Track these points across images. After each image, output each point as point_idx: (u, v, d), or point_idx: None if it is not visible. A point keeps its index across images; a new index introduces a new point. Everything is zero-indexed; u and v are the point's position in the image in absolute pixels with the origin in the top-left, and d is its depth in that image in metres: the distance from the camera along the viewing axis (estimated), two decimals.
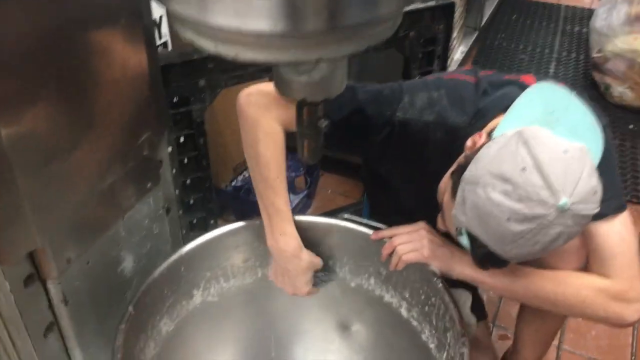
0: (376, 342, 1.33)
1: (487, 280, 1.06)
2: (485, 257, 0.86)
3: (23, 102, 0.80)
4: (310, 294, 1.22)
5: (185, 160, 1.43)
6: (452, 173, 0.92)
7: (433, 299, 1.12)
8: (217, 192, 1.58)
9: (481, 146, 0.86)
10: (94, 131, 0.94)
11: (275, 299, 1.32)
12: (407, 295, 1.19)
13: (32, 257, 0.92)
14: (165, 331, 1.16)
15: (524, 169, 0.78)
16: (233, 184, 1.88)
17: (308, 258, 1.15)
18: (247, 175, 1.94)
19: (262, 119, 1.07)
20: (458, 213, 0.86)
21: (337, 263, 1.27)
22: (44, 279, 0.95)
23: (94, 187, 0.97)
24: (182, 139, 1.41)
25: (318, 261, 1.18)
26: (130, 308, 1.03)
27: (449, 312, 1.06)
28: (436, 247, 1.10)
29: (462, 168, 0.88)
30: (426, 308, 1.15)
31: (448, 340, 1.07)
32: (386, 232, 1.16)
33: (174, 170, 1.27)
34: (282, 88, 0.78)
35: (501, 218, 0.79)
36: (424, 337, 1.18)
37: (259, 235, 1.19)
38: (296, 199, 1.89)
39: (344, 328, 1.36)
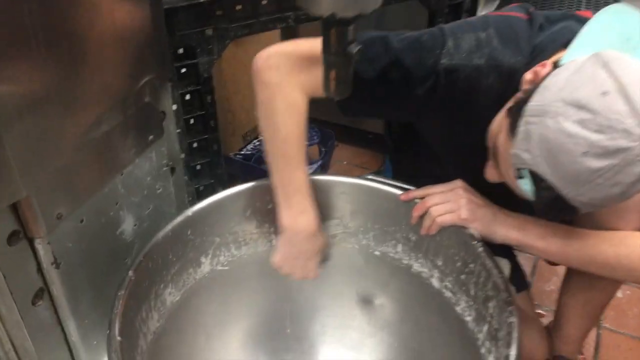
0: (403, 317, 1.20)
1: (537, 243, 0.93)
2: (551, 204, 0.73)
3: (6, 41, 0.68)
4: (316, 276, 1.11)
5: (192, 121, 1.31)
6: (509, 109, 0.79)
7: (471, 266, 0.99)
8: (225, 161, 1.46)
9: (546, 75, 0.73)
10: (86, 70, 0.81)
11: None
12: (439, 264, 1.07)
13: (16, 211, 0.80)
14: (170, 302, 1.04)
15: (604, 94, 0.65)
16: (243, 152, 1.75)
17: (324, 237, 1.05)
18: (257, 143, 1.82)
19: (283, 86, 0.94)
20: (520, 151, 0.74)
21: (359, 229, 1.15)
22: (31, 237, 0.83)
23: (88, 134, 0.85)
24: (187, 97, 1.28)
25: (328, 239, 1.09)
26: (131, 273, 0.91)
27: (492, 279, 0.93)
28: (476, 207, 0.97)
29: (523, 101, 0.75)
30: (462, 277, 1.02)
31: (490, 311, 0.95)
32: (418, 192, 1.03)
33: (178, 130, 1.14)
34: (308, 2, 0.65)
35: (576, 152, 0.66)
36: (458, 309, 1.05)
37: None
38: (309, 170, 1.76)
39: (366, 302, 1.24)
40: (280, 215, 1.00)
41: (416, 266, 1.12)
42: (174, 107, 1.15)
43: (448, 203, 0.99)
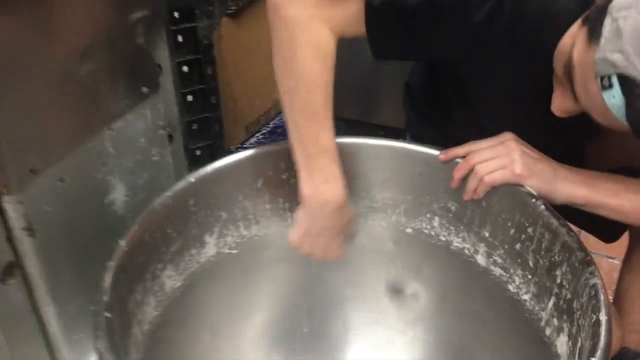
0: (440, 307, 1.04)
1: (609, 200, 0.78)
2: None
3: None
4: (341, 257, 0.94)
5: (190, 98, 1.16)
6: (586, 17, 0.65)
7: (530, 230, 0.83)
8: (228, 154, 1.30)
9: None
10: None
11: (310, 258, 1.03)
12: (486, 235, 0.91)
13: None
14: (170, 287, 0.87)
15: None
16: (245, 145, 1.60)
17: (350, 210, 0.87)
18: (260, 136, 1.66)
19: (308, 22, 0.77)
20: (608, 53, 0.59)
21: (388, 202, 0.99)
22: None
23: (70, 71, 0.69)
24: (185, 68, 1.13)
25: (355, 214, 0.93)
26: (123, 242, 0.74)
27: (560, 240, 0.77)
28: (532, 161, 0.82)
29: (601, 7, 0.61)
30: (517, 246, 0.86)
31: (558, 280, 0.78)
32: (460, 149, 0.87)
33: (177, 104, 0.99)
34: None
35: None
36: (511, 287, 0.89)
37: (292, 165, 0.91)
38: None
39: (395, 292, 1.07)
40: (300, 183, 0.83)
41: (457, 242, 0.96)
42: (172, 78, 1.00)
43: (498, 158, 0.83)
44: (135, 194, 0.86)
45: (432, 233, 0.97)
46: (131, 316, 0.77)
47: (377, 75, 1.57)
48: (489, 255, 0.92)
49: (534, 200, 0.81)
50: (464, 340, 1.02)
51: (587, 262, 0.72)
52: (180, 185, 0.85)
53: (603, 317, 0.65)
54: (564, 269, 0.77)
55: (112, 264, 0.72)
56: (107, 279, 0.70)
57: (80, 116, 0.73)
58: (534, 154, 0.83)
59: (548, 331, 0.82)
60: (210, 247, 0.94)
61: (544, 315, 0.83)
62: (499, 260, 0.90)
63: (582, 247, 0.74)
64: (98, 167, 0.79)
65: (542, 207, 0.80)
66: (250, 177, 0.93)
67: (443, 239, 0.97)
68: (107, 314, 0.66)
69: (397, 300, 1.07)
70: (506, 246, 0.88)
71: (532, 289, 0.85)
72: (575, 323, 0.73)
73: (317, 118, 0.80)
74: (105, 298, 0.67)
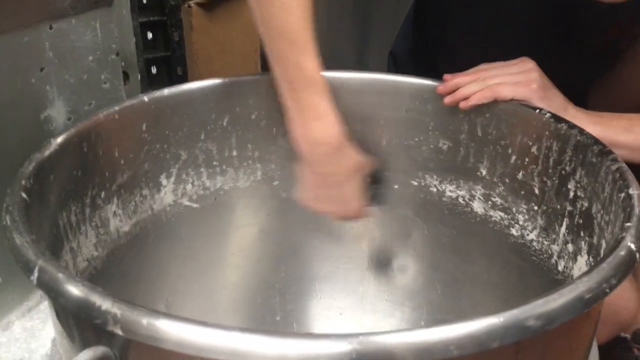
0: (432, 278, 0.90)
1: (622, 137, 0.70)
2: None
3: None
4: (365, 214, 0.79)
5: (154, 69, 1.07)
6: None
7: (534, 149, 0.72)
8: None
9: None
10: None
11: (282, 222, 0.91)
12: (483, 173, 0.80)
13: None
14: (115, 228, 0.74)
15: None
16: None
17: (354, 152, 0.73)
18: None
19: None
20: None
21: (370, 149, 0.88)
22: None
23: None
24: (149, 34, 1.05)
25: (367, 160, 0.76)
26: (54, 141, 0.62)
27: (571, 143, 0.67)
28: (549, 85, 0.74)
29: None
30: (520, 175, 0.75)
31: (571, 195, 0.67)
32: (467, 74, 0.77)
33: (133, 35, 0.89)
34: None
35: None
36: (515, 230, 0.77)
37: (265, 98, 0.81)
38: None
39: (381, 265, 0.94)
40: (290, 125, 0.71)
41: (450, 191, 0.84)
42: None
43: (515, 74, 0.74)
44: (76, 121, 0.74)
45: (422, 183, 0.86)
46: (62, 234, 0.63)
47: (360, 44, 1.49)
48: (487, 198, 0.80)
49: (537, 111, 0.71)
50: (461, 316, 0.88)
51: (607, 152, 0.61)
52: (131, 102, 0.74)
53: (634, 192, 0.53)
54: (577, 176, 0.65)
55: (37, 156, 0.59)
56: (30, 166, 0.57)
57: None
58: (549, 83, 0.75)
59: (561, 265, 0.69)
60: (167, 193, 0.81)
61: (555, 248, 0.70)
62: (499, 201, 0.79)
63: (598, 141, 0.63)
64: (33, 69, 0.68)
65: (548, 115, 0.70)
66: (214, 112, 0.81)
67: (434, 189, 0.85)
68: (24, 195, 0.52)
69: (383, 276, 0.94)
70: (507, 180, 0.77)
71: (540, 222, 0.73)
72: (597, 228, 0.61)
73: (298, 44, 0.69)
74: (24, 181, 0.54)
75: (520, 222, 0.76)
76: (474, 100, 0.73)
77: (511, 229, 0.77)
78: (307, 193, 0.75)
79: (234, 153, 0.85)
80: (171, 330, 0.38)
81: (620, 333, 0.89)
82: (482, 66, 0.76)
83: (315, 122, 0.69)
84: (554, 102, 0.73)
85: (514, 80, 0.73)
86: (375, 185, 0.81)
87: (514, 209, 0.77)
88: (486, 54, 0.88)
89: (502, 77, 0.74)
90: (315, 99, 0.69)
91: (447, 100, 0.76)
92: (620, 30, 0.83)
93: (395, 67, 1.08)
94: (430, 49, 0.99)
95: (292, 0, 0.69)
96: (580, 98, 0.91)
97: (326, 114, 0.69)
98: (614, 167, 0.58)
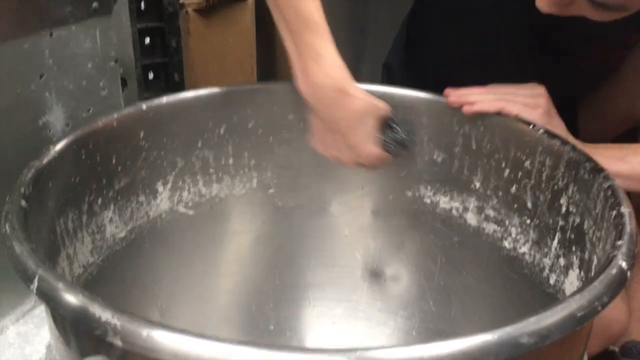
0: (425, 287, 0.91)
1: (617, 166, 0.70)
2: None
3: None
4: (381, 160, 0.75)
5: (151, 75, 1.07)
6: None
7: (527, 163, 0.73)
8: None
9: None
10: None
11: (277, 230, 0.91)
12: (477, 185, 0.81)
13: None
14: (111, 234, 0.74)
15: None
16: None
17: (363, 94, 0.70)
18: None
19: None
20: None
21: None
22: None
23: None
24: (147, 40, 1.05)
25: (380, 103, 0.72)
26: (53, 147, 0.62)
27: (564, 159, 0.68)
28: (554, 113, 0.75)
29: None
30: (513, 188, 0.76)
31: (563, 210, 0.68)
32: (478, 91, 0.77)
33: (132, 43, 0.90)
34: None
35: None
36: (507, 243, 0.78)
37: (262, 107, 0.82)
38: None
39: (374, 275, 0.94)
40: (292, 70, 0.70)
41: (443, 203, 0.85)
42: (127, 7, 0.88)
43: (524, 97, 0.75)
44: (76, 127, 0.74)
45: (417, 194, 0.87)
46: (59, 241, 0.63)
47: (354, 56, 1.50)
48: (480, 210, 0.81)
49: (531, 126, 0.72)
50: (453, 325, 0.89)
51: (598, 169, 0.62)
52: (129, 110, 0.74)
53: (625, 210, 0.54)
54: (569, 192, 0.66)
55: (36, 163, 0.59)
56: (28, 174, 0.57)
57: (14, 4, 0.63)
58: (555, 109, 0.76)
59: (552, 279, 0.70)
60: (163, 199, 0.81)
61: (547, 261, 0.71)
62: (492, 214, 0.80)
63: (590, 158, 0.64)
64: (33, 76, 0.68)
65: (541, 130, 0.71)
66: (212, 120, 0.82)
67: (428, 201, 0.86)
68: (23, 203, 0.53)
69: (376, 285, 0.95)
70: (500, 193, 0.78)
71: (532, 235, 0.74)
72: (588, 244, 0.62)
73: None
74: (24, 189, 0.55)
75: (513, 235, 0.77)
76: (478, 107, 0.74)
77: (504, 241, 0.78)
78: (316, 139, 0.74)
79: (230, 161, 0.85)
80: (170, 342, 0.39)
81: (609, 346, 0.90)
82: (494, 85, 0.77)
83: (315, 63, 0.67)
84: (556, 130, 0.74)
85: (523, 102, 0.74)
86: (392, 131, 0.75)
87: (506, 222, 0.78)
88: (477, 70, 0.89)
89: (512, 96, 0.74)
90: (315, 40, 0.67)
91: (452, 99, 0.76)
92: (609, 49, 0.85)
93: (389, 78, 1.09)
94: (423, 62, 1.00)
95: None
96: (571, 112, 0.92)
97: (326, 55, 0.67)
98: (605, 185, 0.59)
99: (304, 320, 0.96)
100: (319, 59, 0.67)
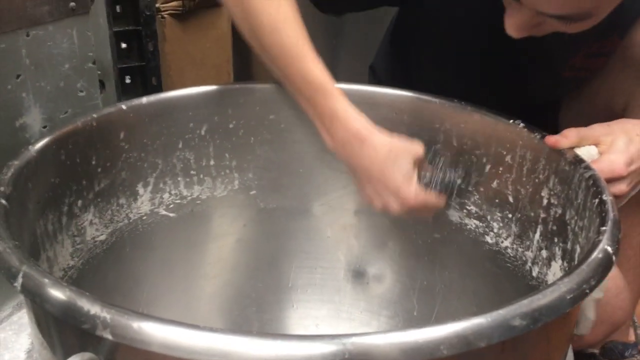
0: (408, 286, 0.91)
1: None
2: None
3: None
4: (429, 202, 0.71)
5: (128, 79, 1.06)
6: None
7: (508, 158, 0.74)
8: None
9: None
10: None
11: (259, 231, 0.91)
12: (459, 181, 0.81)
13: None
14: (91, 236, 0.73)
15: None
16: None
17: (387, 138, 0.69)
18: None
19: None
20: None
21: None
22: None
23: None
24: (123, 45, 1.05)
25: (410, 144, 0.70)
26: (32, 148, 0.61)
27: (544, 152, 0.68)
28: None
29: None
30: (494, 183, 0.77)
31: (545, 202, 0.69)
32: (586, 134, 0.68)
33: (109, 45, 0.89)
34: None
35: None
36: (489, 237, 0.79)
37: (243, 107, 0.81)
38: None
39: (357, 275, 0.94)
40: (319, 132, 0.71)
41: None
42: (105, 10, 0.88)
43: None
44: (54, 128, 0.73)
45: None
46: (39, 243, 0.62)
47: (332, 60, 1.51)
48: (462, 206, 0.81)
49: (511, 121, 0.73)
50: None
51: (579, 160, 0.63)
52: (109, 110, 0.73)
53: (607, 197, 0.55)
54: (550, 184, 0.67)
55: (16, 163, 0.58)
56: (8, 173, 0.56)
57: None
58: None
59: (535, 271, 0.71)
60: (144, 202, 0.80)
61: (529, 254, 0.72)
62: (474, 210, 0.80)
63: (570, 150, 0.65)
64: (9, 77, 0.67)
65: (522, 125, 0.72)
66: (192, 121, 0.81)
67: None
68: (4, 202, 0.52)
69: (359, 285, 0.95)
70: (481, 188, 0.79)
71: (514, 229, 0.75)
72: (571, 234, 0.63)
73: (298, 55, 0.69)
74: (3, 188, 0.53)
75: (495, 230, 0.78)
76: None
77: (486, 236, 0.79)
78: (363, 195, 0.73)
79: (212, 162, 0.85)
80: (161, 333, 0.38)
81: (588, 349, 0.91)
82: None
83: (334, 123, 0.69)
84: None
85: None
86: (438, 169, 0.73)
87: (488, 217, 0.78)
88: (457, 75, 0.90)
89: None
90: (328, 103, 0.69)
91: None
92: (588, 57, 0.86)
93: (376, 81, 1.09)
94: (409, 70, 1.00)
95: (285, 20, 0.69)
96: (549, 113, 0.94)
97: (342, 112, 0.69)
98: (587, 175, 0.60)
99: (288, 323, 0.95)
100: (337, 119, 0.68)
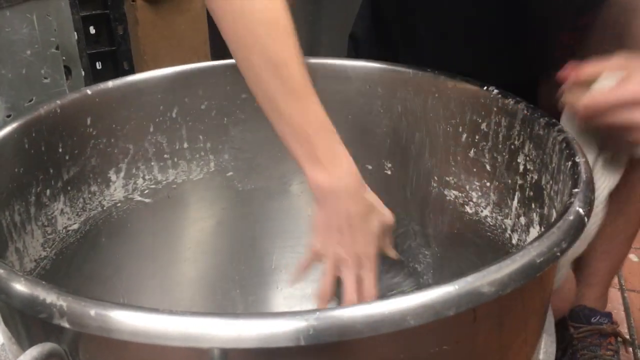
0: (390, 262, 0.90)
1: None
2: None
3: None
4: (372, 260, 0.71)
5: (99, 65, 1.04)
6: None
7: (484, 125, 0.73)
8: None
9: None
10: None
11: (238, 214, 0.90)
12: (437, 152, 0.80)
13: None
14: (63, 226, 0.72)
15: None
16: None
17: (373, 197, 0.69)
18: None
19: None
20: None
21: None
22: None
23: None
24: (92, 29, 1.02)
25: (386, 211, 0.71)
26: None
27: (519, 117, 0.67)
28: None
29: None
30: (471, 152, 0.76)
31: (521, 168, 0.68)
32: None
33: (74, 30, 0.86)
34: None
35: None
36: (469, 207, 0.78)
37: (215, 87, 0.80)
38: None
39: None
40: (308, 174, 0.67)
41: (404, 173, 0.84)
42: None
43: None
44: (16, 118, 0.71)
45: (377, 167, 0.86)
46: (6, 234, 0.61)
47: (312, 30, 1.48)
48: (440, 177, 0.80)
49: (485, 88, 0.72)
50: None
51: (553, 123, 0.62)
52: (73, 96, 0.71)
53: (580, 159, 0.54)
54: (526, 149, 0.66)
55: None
56: None
57: None
58: None
59: (515, 239, 0.70)
60: (117, 188, 0.79)
61: (509, 222, 0.71)
62: (452, 180, 0.79)
63: (544, 114, 0.64)
64: None
65: (496, 91, 0.70)
66: (162, 103, 0.80)
67: (388, 172, 0.85)
68: None
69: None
70: (458, 158, 0.77)
71: (492, 197, 0.74)
72: (547, 199, 0.62)
73: (301, 93, 0.66)
74: None
75: (474, 200, 0.77)
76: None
77: (465, 206, 0.78)
78: (317, 234, 0.70)
79: (185, 145, 0.83)
80: (120, 319, 0.37)
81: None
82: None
83: (335, 168, 0.66)
84: None
85: None
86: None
87: (467, 187, 0.77)
88: (447, 36, 0.88)
89: None
90: (329, 143, 0.66)
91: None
92: (577, 33, 0.84)
93: (356, 50, 1.06)
94: (390, 30, 0.97)
95: (288, 56, 0.64)
96: (532, 85, 0.92)
97: (342, 157, 0.67)
98: (560, 138, 0.59)
99: (272, 304, 0.94)
100: (335, 162, 0.66)
